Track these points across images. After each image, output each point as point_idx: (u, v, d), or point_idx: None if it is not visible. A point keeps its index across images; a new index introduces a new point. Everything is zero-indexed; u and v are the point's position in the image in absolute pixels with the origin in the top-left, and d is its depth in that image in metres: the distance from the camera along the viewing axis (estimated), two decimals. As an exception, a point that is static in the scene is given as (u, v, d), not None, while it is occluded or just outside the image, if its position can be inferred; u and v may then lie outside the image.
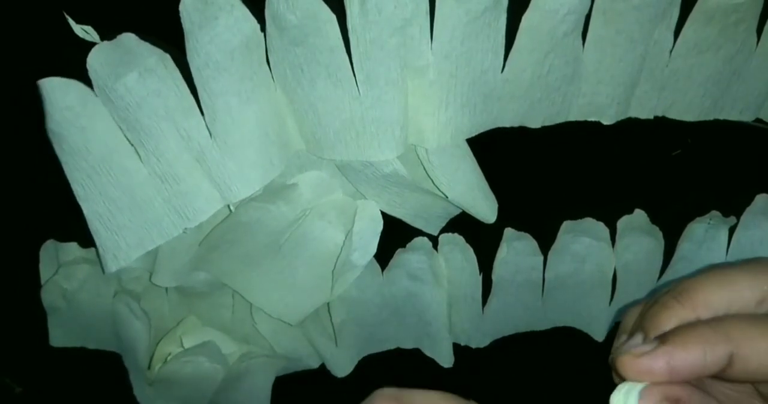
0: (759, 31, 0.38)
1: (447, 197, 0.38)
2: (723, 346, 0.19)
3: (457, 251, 0.43)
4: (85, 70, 0.32)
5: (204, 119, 0.34)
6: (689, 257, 0.44)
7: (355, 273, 0.41)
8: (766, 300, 0.20)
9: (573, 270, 0.44)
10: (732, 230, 0.44)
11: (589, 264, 0.44)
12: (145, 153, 0.35)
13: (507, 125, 0.38)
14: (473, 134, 0.37)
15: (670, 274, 0.45)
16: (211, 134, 0.34)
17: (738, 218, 0.44)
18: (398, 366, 0.46)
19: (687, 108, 0.40)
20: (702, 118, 0.40)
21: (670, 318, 0.21)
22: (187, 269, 0.39)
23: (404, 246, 0.43)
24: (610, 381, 0.22)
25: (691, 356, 0.19)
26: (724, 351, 0.19)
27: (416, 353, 0.46)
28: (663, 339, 0.20)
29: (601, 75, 0.37)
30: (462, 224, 0.42)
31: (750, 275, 0.21)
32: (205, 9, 0.32)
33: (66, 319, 0.44)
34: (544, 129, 0.39)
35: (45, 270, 0.43)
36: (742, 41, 0.37)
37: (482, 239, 0.44)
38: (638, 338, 0.21)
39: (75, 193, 0.35)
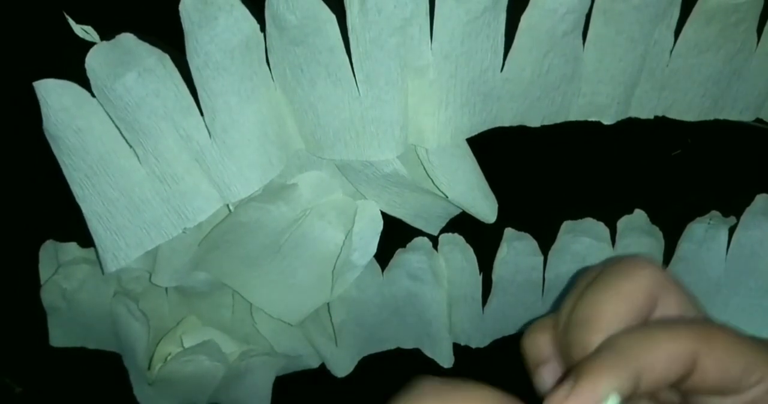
0: (759, 31, 0.37)
1: (447, 197, 0.38)
2: (630, 367, 0.20)
3: (457, 251, 0.43)
4: (85, 71, 0.32)
5: (203, 118, 0.34)
6: (689, 257, 0.44)
7: (355, 273, 0.41)
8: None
9: (573, 270, 0.44)
10: (732, 230, 0.44)
11: (590, 264, 0.44)
12: (144, 153, 0.35)
13: (507, 124, 0.38)
14: (473, 134, 0.37)
15: (670, 274, 0.45)
16: (210, 134, 0.34)
17: (738, 218, 0.44)
18: (398, 366, 0.46)
19: (687, 108, 0.40)
20: (702, 118, 0.40)
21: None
22: (187, 269, 0.39)
23: (404, 246, 0.43)
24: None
25: (611, 385, 0.20)
26: (632, 371, 0.20)
27: (416, 353, 0.46)
28: (576, 377, 0.20)
29: (601, 75, 0.37)
30: (462, 224, 0.42)
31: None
32: (204, 9, 0.32)
33: (66, 319, 0.44)
34: (544, 129, 0.39)
35: (44, 270, 0.43)
36: (743, 41, 0.37)
37: (482, 239, 0.43)
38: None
39: (74, 193, 0.35)
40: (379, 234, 0.40)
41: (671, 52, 0.37)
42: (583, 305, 0.23)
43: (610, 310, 0.22)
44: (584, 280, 0.24)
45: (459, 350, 0.46)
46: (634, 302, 0.22)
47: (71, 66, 0.33)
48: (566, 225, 0.44)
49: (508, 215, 0.42)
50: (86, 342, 0.45)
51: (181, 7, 0.31)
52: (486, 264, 0.44)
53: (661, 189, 0.44)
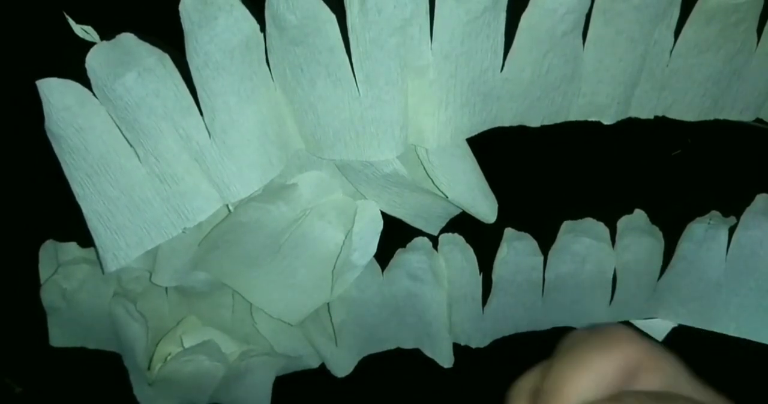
0: (759, 31, 0.38)
1: (447, 197, 0.38)
2: None
3: (457, 251, 0.43)
4: (85, 70, 0.32)
5: (203, 118, 0.34)
6: (689, 257, 0.44)
7: (355, 273, 0.41)
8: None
9: (573, 270, 0.44)
10: (732, 230, 0.44)
11: (589, 264, 0.44)
12: (144, 153, 0.35)
13: (507, 124, 0.38)
14: (473, 134, 0.37)
15: (670, 274, 0.45)
16: (210, 134, 0.34)
17: (738, 218, 0.44)
18: (398, 366, 0.46)
19: (687, 108, 0.40)
20: (702, 118, 0.40)
21: None
22: (187, 269, 0.39)
23: (404, 246, 0.43)
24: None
25: None
26: None
27: (416, 353, 0.46)
28: None
29: (601, 75, 0.37)
30: (462, 224, 0.42)
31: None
32: (204, 9, 0.32)
33: (66, 319, 0.44)
34: (544, 129, 0.39)
35: (44, 270, 0.43)
36: (742, 41, 0.37)
37: (482, 239, 0.43)
38: None
39: (74, 193, 0.35)
40: (379, 234, 0.40)
41: (671, 52, 0.37)
42: (552, 375, 0.23)
43: (575, 384, 0.22)
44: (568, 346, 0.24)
45: (459, 350, 0.46)
46: (603, 377, 0.22)
47: (71, 66, 0.33)
48: (566, 225, 0.44)
49: (508, 215, 0.42)
50: (86, 342, 0.45)
51: (181, 7, 0.31)
52: (486, 264, 0.44)
53: (661, 189, 0.44)
